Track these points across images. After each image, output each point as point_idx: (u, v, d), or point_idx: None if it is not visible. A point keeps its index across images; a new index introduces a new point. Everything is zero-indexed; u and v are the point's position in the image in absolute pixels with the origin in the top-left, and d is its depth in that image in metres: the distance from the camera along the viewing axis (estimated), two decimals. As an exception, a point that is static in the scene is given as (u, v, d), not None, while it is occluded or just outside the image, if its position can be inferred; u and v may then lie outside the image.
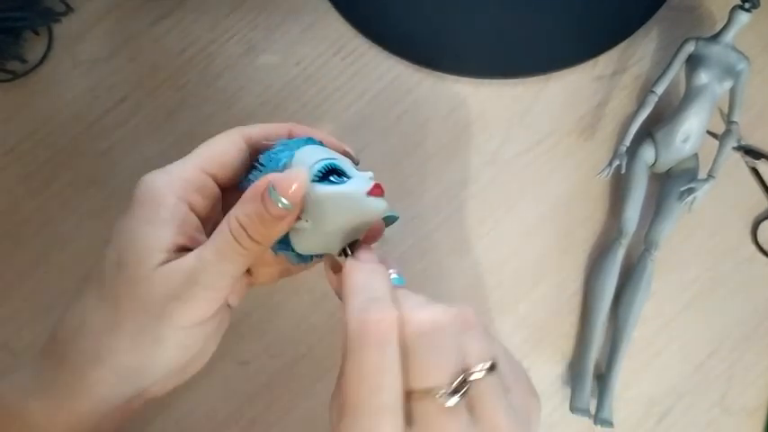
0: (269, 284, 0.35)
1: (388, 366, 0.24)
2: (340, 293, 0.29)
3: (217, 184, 0.32)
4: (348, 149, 0.33)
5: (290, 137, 0.33)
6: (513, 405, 0.25)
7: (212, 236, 0.29)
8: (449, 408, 0.23)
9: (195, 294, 0.28)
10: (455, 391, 0.23)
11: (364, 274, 0.28)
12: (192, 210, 0.30)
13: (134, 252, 0.29)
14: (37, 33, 0.47)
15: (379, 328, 0.25)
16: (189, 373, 0.33)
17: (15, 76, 0.47)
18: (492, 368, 0.24)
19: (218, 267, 0.28)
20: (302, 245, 0.30)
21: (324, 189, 0.28)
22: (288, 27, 0.49)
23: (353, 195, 0.29)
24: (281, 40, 0.49)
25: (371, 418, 0.23)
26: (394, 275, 0.30)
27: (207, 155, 0.31)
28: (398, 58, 0.48)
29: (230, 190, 0.32)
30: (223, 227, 0.29)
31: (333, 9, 0.49)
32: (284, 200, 0.27)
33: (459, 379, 0.24)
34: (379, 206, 0.29)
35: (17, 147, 0.47)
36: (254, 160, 0.31)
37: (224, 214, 0.30)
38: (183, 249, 0.29)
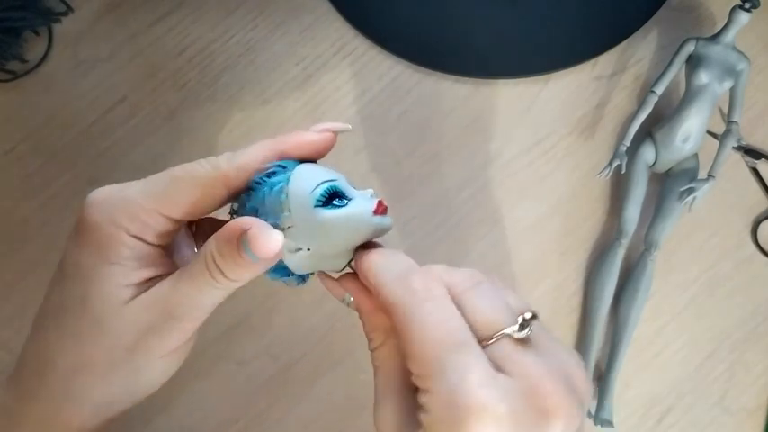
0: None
1: (452, 314, 0.24)
2: (336, 292, 0.29)
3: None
4: (331, 128, 0.30)
5: (278, 155, 0.29)
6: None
7: (188, 266, 0.27)
8: (524, 342, 0.24)
9: (171, 327, 0.27)
10: (522, 327, 0.24)
11: (383, 255, 0.27)
12: (153, 243, 0.28)
13: (99, 290, 0.27)
14: (37, 33, 0.47)
15: (427, 286, 0.25)
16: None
17: (15, 76, 0.47)
18: (535, 315, 0.25)
19: (194, 300, 0.27)
20: (302, 268, 0.29)
21: (328, 214, 0.27)
22: (288, 27, 0.49)
23: (359, 217, 0.27)
24: (281, 40, 0.49)
25: (459, 361, 0.23)
26: None
27: (172, 201, 0.28)
28: (398, 58, 0.48)
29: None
30: (199, 257, 0.27)
31: (333, 9, 0.49)
32: (256, 256, 0.25)
33: (521, 318, 0.24)
34: (385, 223, 0.28)
35: (17, 147, 0.47)
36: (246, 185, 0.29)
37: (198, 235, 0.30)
38: (150, 280, 0.28)
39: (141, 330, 0.27)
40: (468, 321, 0.25)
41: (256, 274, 0.27)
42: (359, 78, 0.48)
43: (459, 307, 0.25)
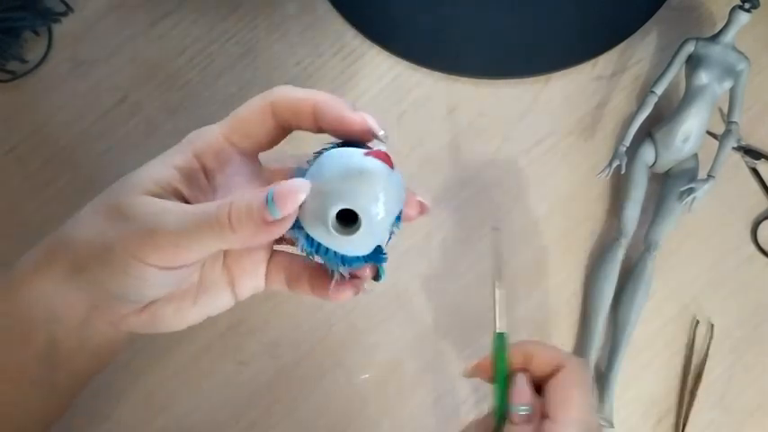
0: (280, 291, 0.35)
1: None
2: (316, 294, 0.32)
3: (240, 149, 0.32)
4: (374, 129, 0.31)
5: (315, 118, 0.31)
6: None
7: (210, 203, 0.28)
8: None
9: (163, 243, 0.28)
10: None
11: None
12: (205, 172, 0.31)
13: (134, 176, 0.30)
14: (37, 33, 0.47)
15: None
16: (206, 304, 0.32)
17: (15, 76, 0.47)
18: None
19: (194, 235, 0.27)
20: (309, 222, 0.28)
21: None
22: (288, 27, 0.49)
23: (350, 153, 0.28)
24: (280, 40, 0.49)
25: None
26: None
27: (234, 123, 0.32)
28: (398, 58, 0.48)
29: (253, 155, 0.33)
30: (222, 204, 0.27)
31: (333, 9, 0.49)
32: (278, 211, 0.26)
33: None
34: (374, 165, 0.28)
35: (17, 147, 0.47)
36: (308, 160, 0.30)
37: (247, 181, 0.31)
38: (179, 199, 0.30)
39: (143, 226, 0.28)
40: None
41: (260, 239, 0.27)
42: (359, 78, 0.48)
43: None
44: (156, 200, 0.29)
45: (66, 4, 0.48)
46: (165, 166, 0.30)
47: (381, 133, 0.31)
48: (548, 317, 0.47)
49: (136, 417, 0.44)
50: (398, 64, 0.49)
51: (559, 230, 0.48)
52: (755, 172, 0.48)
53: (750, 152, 0.48)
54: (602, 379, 0.45)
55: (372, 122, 0.30)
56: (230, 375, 0.45)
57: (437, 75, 0.48)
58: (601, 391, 0.45)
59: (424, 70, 0.48)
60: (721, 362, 0.47)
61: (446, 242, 0.47)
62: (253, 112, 0.31)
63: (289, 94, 0.31)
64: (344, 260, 0.29)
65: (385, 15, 0.49)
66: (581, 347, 0.46)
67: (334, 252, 0.29)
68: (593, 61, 0.49)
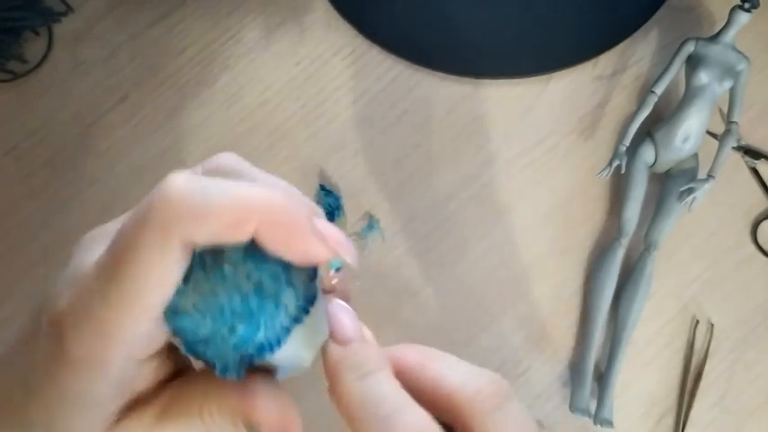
0: None
1: None
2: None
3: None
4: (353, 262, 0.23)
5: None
6: None
7: (176, 403, 0.23)
8: None
9: None
10: None
11: (361, 382, 0.22)
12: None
13: (74, 418, 0.22)
14: (37, 33, 0.47)
15: None
16: None
17: (15, 76, 0.47)
18: None
19: None
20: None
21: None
22: (288, 27, 0.49)
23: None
24: (281, 40, 0.49)
25: None
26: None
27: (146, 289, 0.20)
28: (398, 58, 0.48)
29: None
30: (190, 403, 0.22)
31: (333, 9, 0.49)
32: None
33: None
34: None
35: (17, 147, 0.47)
36: None
37: None
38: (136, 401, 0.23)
39: None
40: None
41: None
42: (359, 78, 0.48)
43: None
44: None
45: (67, 4, 0.48)
46: (106, 395, 0.22)
47: (354, 265, 0.23)
48: (548, 317, 0.47)
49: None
50: (398, 64, 0.49)
51: (559, 230, 0.48)
52: (755, 172, 0.48)
53: (750, 152, 0.48)
54: (602, 379, 0.45)
55: (347, 249, 0.22)
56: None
57: (437, 75, 0.48)
58: (601, 391, 0.45)
59: (424, 70, 0.48)
60: (721, 361, 0.47)
61: (446, 242, 0.47)
62: (165, 264, 0.20)
63: (211, 215, 0.20)
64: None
65: (385, 15, 0.49)
66: (581, 347, 0.46)
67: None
68: (593, 61, 0.49)
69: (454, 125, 0.48)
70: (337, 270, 0.25)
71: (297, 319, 0.21)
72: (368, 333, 0.24)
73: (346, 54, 0.49)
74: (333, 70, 0.49)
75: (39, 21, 0.47)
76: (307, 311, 0.22)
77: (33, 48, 0.47)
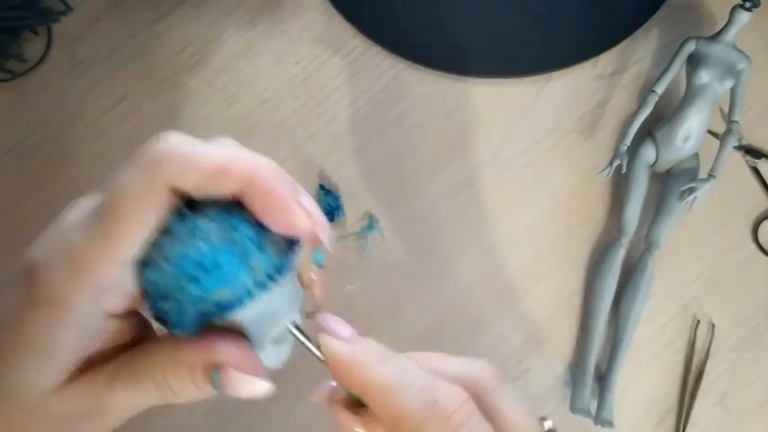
0: None
1: None
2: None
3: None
4: (324, 239, 0.23)
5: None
6: None
7: (132, 361, 0.23)
8: None
9: (94, 425, 0.23)
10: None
11: (392, 369, 0.23)
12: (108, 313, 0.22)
13: (27, 370, 0.22)
14: (36, 33, 0.47)
15: (460, 411, 0.22)
16: None
17: (14, 75, 0.47)
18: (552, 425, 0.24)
19: (128, 406, 0.23)
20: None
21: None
22: (288, 27, 0.49)
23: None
24: (280, 40, 0.49)
25: None
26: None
27: (120, 233, 0.21)
28: (398, 58, 0.48)
29: None
30: (147, 368, 0.22)
31: (333, 9, 0.49)
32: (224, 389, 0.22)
33: (547, 424, 0.24)
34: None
35: (17, 146, 0.47)
36: None
37: None
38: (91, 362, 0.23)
39: (63, 421, 0.23)
40: (503, 427, 0.23)
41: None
42: (358, 78, 0.48)
43: (491, 410, 0.23)
44: (79, 391, 0.23)
45: (66, 4, 0.48)
46: (68, 339, 0.22)
47: (328, 247, 0.23)
48: (548, 317, 0.47)
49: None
50: (398, 64, 0.48)
51: (559, 230, 0.48)
52: (756, 171, 0.48)
53: (751, 151, 0.48)
54: (602, 379, 0.45)
55: (324, 228, 0.22)
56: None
57: (437, 75, 0.48)
58: (601, 391, 0.45)
59: (424, 70, 0.48)
60: (722, 361, 0.46)
61: (446, 242, 0.47)
62: (146, 206, 0.21)
63: (196, 162, 0.20)
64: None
65: (385, 15, 0.48)
66: (581, 347, 0.46)
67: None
68: (593, 60, 0.49)
69: (454, 125, 0.48)
70: (319, 266, 0.25)
71: (262, 285, 0.21)
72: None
73: (346, 54, 0.49)
74: (332, 70, 0.48)
75: (38, 20, 0.47)
76: (274, 280, 0.22)
77: (32, 47, 0.47)
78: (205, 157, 0.21)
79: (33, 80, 0.47)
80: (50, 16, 0.47)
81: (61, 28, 0.48)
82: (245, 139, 0.47)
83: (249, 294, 0.21)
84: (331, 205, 0.47)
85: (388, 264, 0.47)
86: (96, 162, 0.47)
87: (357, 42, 0.49)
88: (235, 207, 0.21)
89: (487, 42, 0.49)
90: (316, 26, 0.49)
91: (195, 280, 0.21)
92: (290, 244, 0.23)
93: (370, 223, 0.47)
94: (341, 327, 0.25)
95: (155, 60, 0.48)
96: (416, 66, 0.48)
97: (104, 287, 0.21)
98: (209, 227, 0.21)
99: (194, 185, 0.21)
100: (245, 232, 0.21)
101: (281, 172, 0.22)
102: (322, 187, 0.47)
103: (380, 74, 0.48)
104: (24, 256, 0.22)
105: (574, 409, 0.45)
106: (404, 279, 0.47)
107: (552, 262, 0.47)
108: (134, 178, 0.20)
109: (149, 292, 0.22)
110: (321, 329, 0.24)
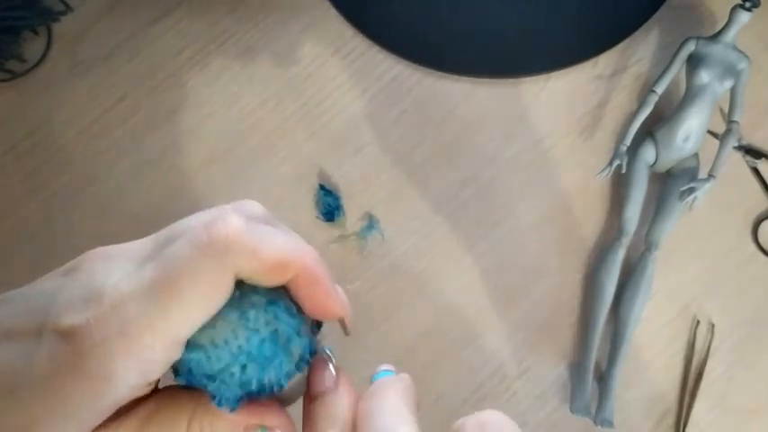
0: None
1: None
2: None
3: None
4: (348, 325, 0.26)
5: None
6: None
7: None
8: None
9: None
10: None
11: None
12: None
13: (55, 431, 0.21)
14: (36, 33, 0.47)
15: None
16: None
17: (14, 75, 0.47)
18: None
19: None
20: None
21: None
22: (288, 27, 0.49)
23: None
24: (280, 40, 0.49)
25: None
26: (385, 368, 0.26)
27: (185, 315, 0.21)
28: (398, 58, 0.48)
29: None
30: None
31: (333, 9, 0.49)
32: None
33: None
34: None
35: (17, 146, 0.47)
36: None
37: None
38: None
39: None
40: None
41: None
42: (358, 78, 0.48)
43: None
44: None
45: (66, 4, 0.48)
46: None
47: (348, 324, 0.25)
48: (548, 317, 0.47)
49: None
50: (398, 64, 0.49)
51: (560, 230, 0.48)
52: (756, 171, 0.48)
53: (751, 151, 0.48)
54: (602, 379, 0.45)
55: (349, 315, 0.25)
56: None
57: (437, 74, 0.48)
58: (601, 391, 0.45)
59: (424, 70, 0.48)
60: (722, 361, 0.46)
61: (445, 242, 0.47)
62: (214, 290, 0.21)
63: (261, 254, 0.21)
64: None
65: (385, 15, 0.48)
66: (581, 347, 0.46)
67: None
68: (593, 60, 0.49)
69: (454, 125, 0.48)
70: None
71: (299, 368, 0.24)
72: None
73: (346, 54, 0.49)
74: (332, 69, 0.48)
75: (38, 20, 0.47)
76: (308, 363, 0.24)
77: (32, 47, 0.47)
78: (270, 250, 0.21)
79: (33, 80, 0.47)
80: (50, 16, 0.47)
81: (61, 28, 0.48)
82: (245, 139, 0.48)
83: (288, 377, 0.23)
84: (331, 205, 0.47)
85: (388, 264, 0.47)
86: (96, 162, 0.47)
87: (357, 43, 0.49)
88: (275, 292, 0.23)
89: (487, 43, 0.49)
90: (316, 26, 0.49)
91: (244, 368, 0.22)
92: (318, 324, 0.25)
93: (370, 223, 0.47)
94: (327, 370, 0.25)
95: (154, 61, 0.48)
96: (416, 66, 0.48)
97: (156, 366, 0.21)
98: (257, 317, 0.22)
99: (251, 274, 0.21)
100: (287, 320, 0.23)
101: (322, 260, 0.23)
102: (322, 187, 0.47)
103: (380, 74, 0.49)
104: (59, 320, 0.21)
105: (574, 409, 0.45)
106: (403, 279, 0.47)
107: (552, 262, 0.47)
108: (202, 263, 0.21)
109: (190, 369, 0.22)
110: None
